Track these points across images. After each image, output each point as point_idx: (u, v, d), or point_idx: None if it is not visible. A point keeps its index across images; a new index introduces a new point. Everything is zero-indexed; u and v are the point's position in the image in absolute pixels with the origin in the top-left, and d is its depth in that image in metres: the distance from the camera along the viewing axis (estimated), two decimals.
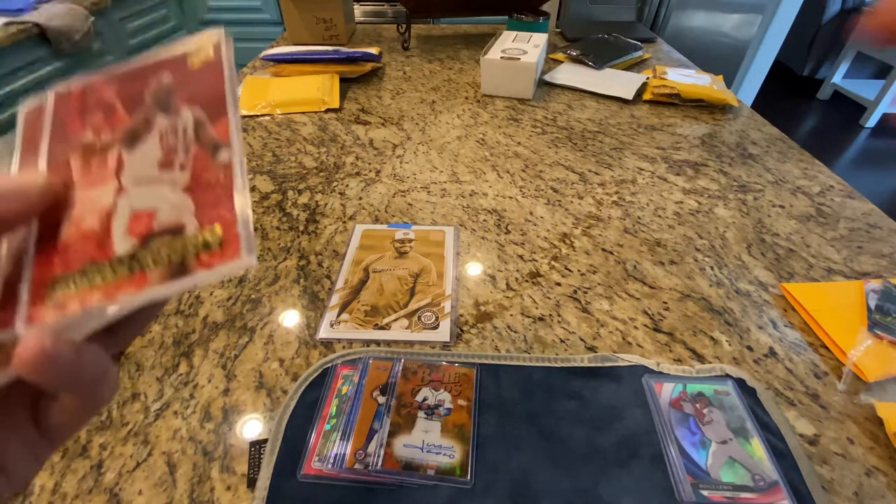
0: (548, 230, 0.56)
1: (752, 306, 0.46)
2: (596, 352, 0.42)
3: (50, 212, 0.16)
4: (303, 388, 0.39)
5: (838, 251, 0.53)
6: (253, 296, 0.48)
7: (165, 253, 0.15)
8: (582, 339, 0.43)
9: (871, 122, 2.65)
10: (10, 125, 1.32)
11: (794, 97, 3.03)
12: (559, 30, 1.28)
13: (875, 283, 0.46)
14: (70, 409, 0.16)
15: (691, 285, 0.49)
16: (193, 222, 0.15)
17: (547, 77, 0.95)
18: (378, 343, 0.43)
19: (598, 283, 0.49)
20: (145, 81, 0.17)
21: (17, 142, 0.18)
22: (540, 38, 0.93)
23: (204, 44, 0.17)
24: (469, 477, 0.33)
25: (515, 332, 0.44)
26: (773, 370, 0.40)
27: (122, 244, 0.15)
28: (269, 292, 0.48)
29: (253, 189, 0.64)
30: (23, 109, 0.18)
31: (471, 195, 0.63)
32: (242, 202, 0.15)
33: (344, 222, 0.58)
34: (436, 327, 0.44)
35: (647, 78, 0.92)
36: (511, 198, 0.62)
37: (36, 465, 0.17)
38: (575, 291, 0.48)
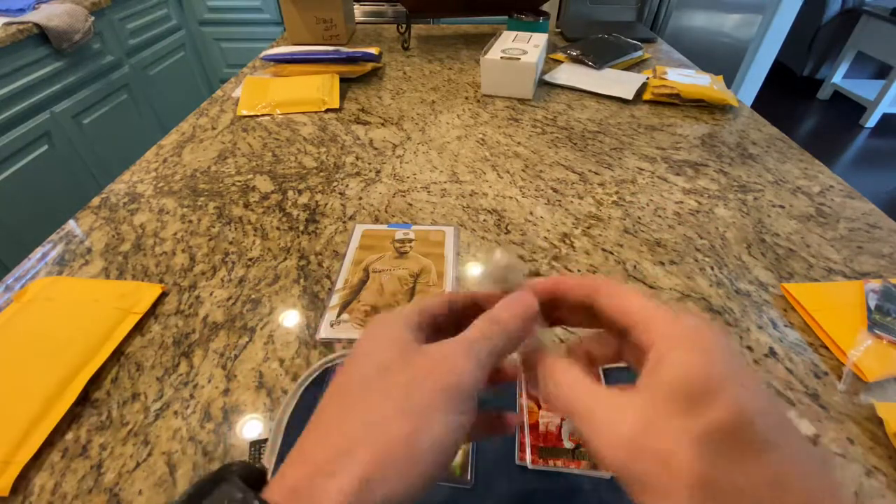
0: (548, 230, 0.56)
1: (752, 306, 0.46)
2: None
3: None
4: (303, 387, 0.39)
5: (838, 251, 0.53)
6: (253, 296, 0.48)
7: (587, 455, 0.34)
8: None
9: (871, 122, 2.65)
10: (10, 125, 1.32)
11: (794, 97, 3.04)
12: (559, 30, 1.28)
13: (875, 283, 0.46)
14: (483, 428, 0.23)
15: (691, 285, 0.49)
16: None
17: (547, 77, 0.95)
18: None
19: None
20: None
21: None
22: (540, 38, 0.93)
23: None
24: (469, 477, 0.33)
25: None
26: (773, 370, 0.40)
27: (567, 444, 0.35)
28: (269, 292, 0.48)
29: (253, 189, 0.64)
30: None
31: (471, 195, 0.63)
32: None
33: (344, 222, 0.58)
34: None
35: (647, 78, 0.92)
36: (511, 198, 0.62)
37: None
38: None
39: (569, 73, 0.96)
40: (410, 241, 0.54)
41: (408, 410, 0.17)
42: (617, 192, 0.63)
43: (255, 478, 0.17)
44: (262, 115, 0.84)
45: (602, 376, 0.30)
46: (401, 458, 0.15)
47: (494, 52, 0.88)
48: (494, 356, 0.19)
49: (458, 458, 0.34)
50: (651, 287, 0.49)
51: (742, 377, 0.15)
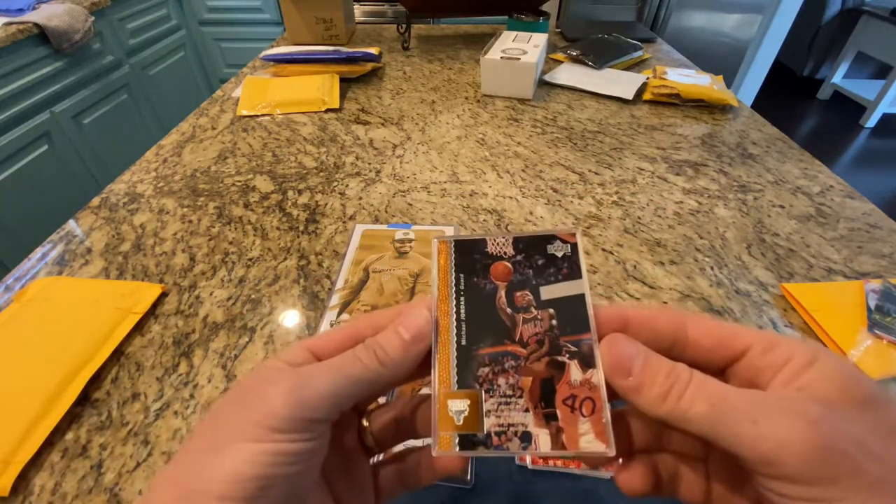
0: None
1: (752, 306, 0.46)
2: None
3: None
4: None
5: (838, 251, 0.53)
6: (253, 296, 0.48)
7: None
8: None
9: (871, 122, 2.65)
10: (10, 125, 1.32)
11: (794, 97, 3.04)
12: (559, 30, 1.28)
13: (875, 283, 0.46)
14: (393, 480, 0.20)
15: (691, 285, 0.49)
16: None
17: (547, 77, 0.95)
18: None
19: (598, 283, 0.49)
20: None
21: None
22: (540, 38, 0.93)
23: None
24: (469, 477, 0.33)
25: None
26: None
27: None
28: (269, 292, 0.48)
29: (253, 189, 0.64)
30: None
31: (471, 195, 0.63)
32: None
33: (344, 222, 0.58)
34: None
35: (647, 78, 0.92)
36: (511, 198, 0.62)
37: None
38: None
39: (569, 73, 0.96)
40: (410, 241, 0.54)
41: (210, 445, 0.16)
42: (617, 192, 0.63)
43: None
44: (262, 115, 0.84)
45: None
46: (193, 495, 0.15)
47: (494, 52, 0.88)
48: (356, 387, 0.17)
49: None
50: (651, 287, 0.49)
51: None
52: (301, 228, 0.57)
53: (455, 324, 0.18)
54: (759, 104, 1.82)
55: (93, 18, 1.51)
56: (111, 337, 0.43)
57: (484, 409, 0.17)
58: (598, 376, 0.17)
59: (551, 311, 0.18)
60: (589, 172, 0.67)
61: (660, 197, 0.62)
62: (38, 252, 0.54)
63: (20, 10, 1.39)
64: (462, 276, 0.19)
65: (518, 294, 0.18)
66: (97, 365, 0.40)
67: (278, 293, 0.48)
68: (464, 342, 0.18)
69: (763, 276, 0.50)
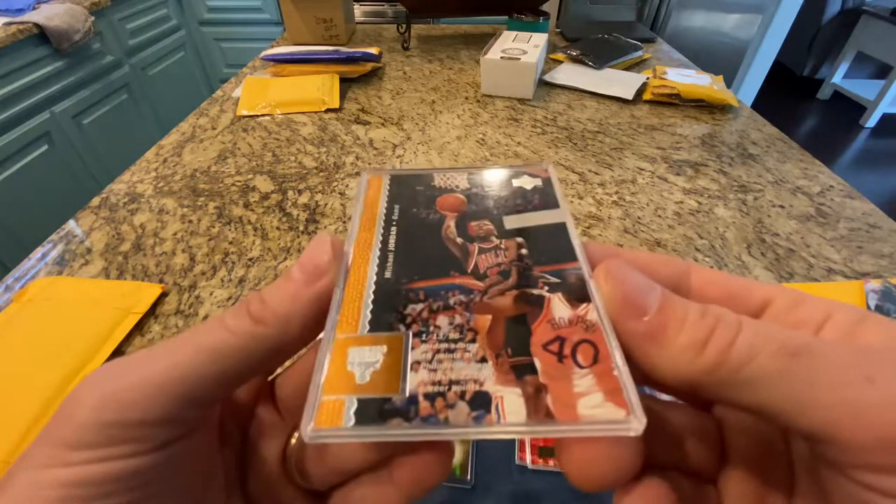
0: None
1: None
2: None
3: None
4: None
5: (838, 251, 0.53)
6: None
7: None
8: None
9: (871, 122, 2.65)
10: (10, 125, 1.32)
11: (794, 97, 3.04)
12: (559, 30, 1.28)
13: (875, 283, 0.46)
14: None
15: None
16: None
17: (547, 77, 0.95)
18: None
19: None
20: None
21: None
22: (540, 38, 0.93)
23: None
24: (469, 477, 0.33)
25: None
26: None
27: None
28: None
29: (253, 189, 0.64)
30: None
31: None
32: None
33: (344, 222, 0.58)
34: None
35: (647, 78, 0.92)
36: None
37: None
38: None
39: (569, 73, 0.96)
40: None
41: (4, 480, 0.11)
42: (617, 192, 0.63)
43: None
44: (262, 115, 0.84)
45: None
46: None
47: (494, 52, 0.88)
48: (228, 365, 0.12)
49: (459, 458, 0.34)
50: None
51: None
52: (301, 228, 0.57)
53: (378, 255, 0.13)
54: (759, 104, 1.82)
55: (93, 18, 1.51)
56: (111, 337, 0.43)
57: (410, 360, 0.10)
58: (598, 311, 0.11)
59: (519, 240, 0.13)
60: (589, 172, 0.67)
61: (660, 197, 0.62)
62: (38, 252, 0.54)
63: (20, 10, 1.39)
64: (397, 206, 0.14)
65: (473, 224, 0.13)
66: (97, 365, 0.40)
67: None
68: (388, 275, 0.12)
69: (763, 276, 0.50)
